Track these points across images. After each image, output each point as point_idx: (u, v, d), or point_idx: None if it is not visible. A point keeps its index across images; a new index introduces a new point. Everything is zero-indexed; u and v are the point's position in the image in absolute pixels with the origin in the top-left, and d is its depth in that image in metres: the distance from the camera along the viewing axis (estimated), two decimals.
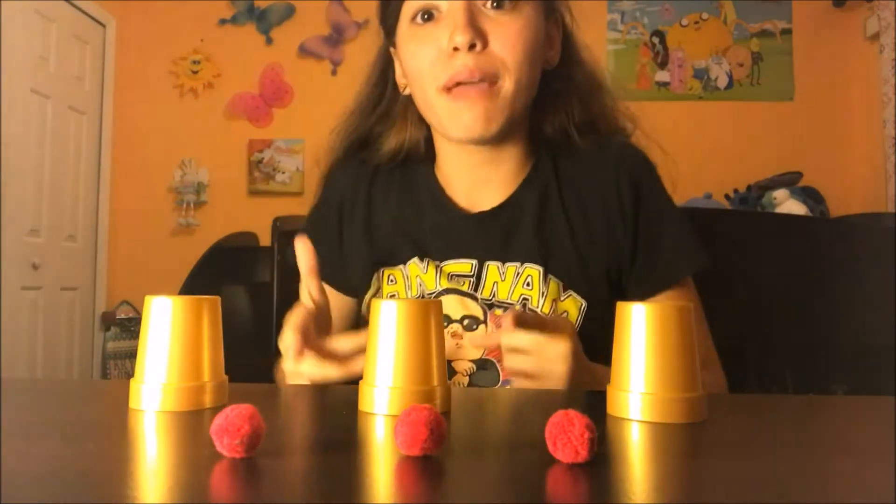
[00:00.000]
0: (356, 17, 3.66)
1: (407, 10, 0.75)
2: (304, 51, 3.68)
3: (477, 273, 0.76)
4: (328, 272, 0.80)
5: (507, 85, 0.71)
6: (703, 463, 0.38)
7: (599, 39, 3.52)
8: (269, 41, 3.70)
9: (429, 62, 0.73)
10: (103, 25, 3.59)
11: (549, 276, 0.75)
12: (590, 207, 0.78)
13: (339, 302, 0.82)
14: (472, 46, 0.70)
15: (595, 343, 0.69)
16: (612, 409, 0.46)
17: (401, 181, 0.84)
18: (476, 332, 0.76)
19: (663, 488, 0.31)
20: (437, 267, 0.77)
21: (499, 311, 0.75)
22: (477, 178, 0.80)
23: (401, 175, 0.84)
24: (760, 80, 3.54)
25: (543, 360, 0.61)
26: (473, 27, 0.70)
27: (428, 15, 0.73)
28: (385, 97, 0.84)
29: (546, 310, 0.74)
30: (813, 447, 0.41)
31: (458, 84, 0.71)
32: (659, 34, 3.60)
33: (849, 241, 1.17)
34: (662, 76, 3.58)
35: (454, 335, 0.76)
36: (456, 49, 0.70)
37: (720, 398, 0.50)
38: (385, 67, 0.84)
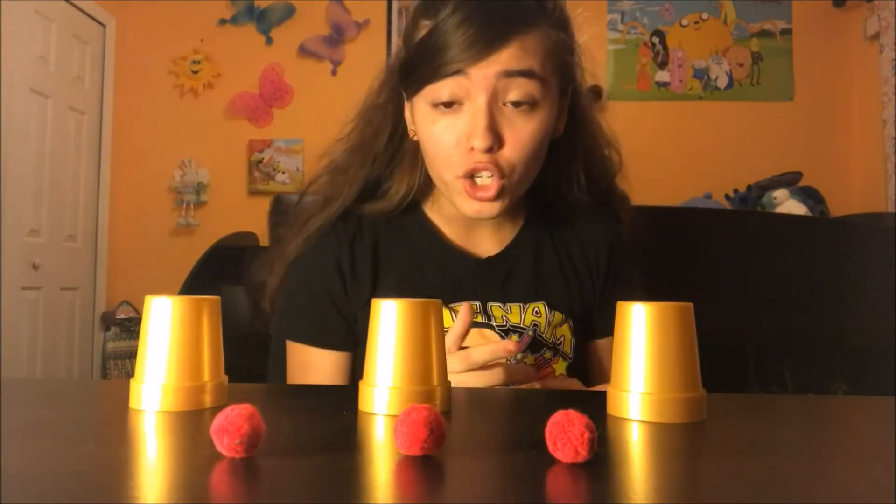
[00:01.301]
0: (356, 17, 3.66)
1: (429, 92, 0.74)
2: (304, 51, 3.68)
3: (482, 311, 0.81)
4: (329, 338, 0.81)
5: (514, 180, 0.75)
6: (703, 463, 0.38)
7: (599, 39, 3.52)
8: (269, 41, 3.70)
9: (447, 152, 0.75)
10: (103, 25, 3.59)
11: (553, 310, 0.82)
12: (575, 256, 0.87)
13: (339, 360, 0.82)
14: (489, 149, 0.72)
15: (581, 363, 0.85)
16: (612, 409, 0.46)
17: (393, 228, 0.85)
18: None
19: (663, 488, 0.31)
20: (448, 308, 0.80)
21: (515, 337, 0.80)
22: (475, 223, 0.84)
23: (387, 222, 0.85)
24: (760, 80, 3.54)
25: None
26: (493, 132, 0.72)
27: (448, 103, 0.74)
28: (395, 142, 0.84)
29: (549, 336, 0.82)
30: (813, 447, 0.41)
31: (473, 174, 0.74)
32: (659, 34, 3.60)
33: (849, 241, 1.17)
34: (662, 76, 3.58)
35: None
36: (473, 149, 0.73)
37: (720, 398, 0.50)
38: (396, 108, 0.83)
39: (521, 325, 0.80)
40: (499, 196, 0.75)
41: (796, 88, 3.52)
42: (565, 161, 0.85)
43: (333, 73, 3.66)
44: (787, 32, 3.55)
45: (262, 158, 3.64)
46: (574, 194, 0.86)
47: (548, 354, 0.81)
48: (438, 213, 0.86)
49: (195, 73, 3.68)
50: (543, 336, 0.81)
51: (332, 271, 0.83)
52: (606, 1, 3.59)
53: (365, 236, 0.84)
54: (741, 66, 3.55)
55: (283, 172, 3.62)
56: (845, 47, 3.48)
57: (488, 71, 0.71)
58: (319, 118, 3.88)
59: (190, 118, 3.67)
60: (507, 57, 0.71)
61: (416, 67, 0.75)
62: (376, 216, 0.84)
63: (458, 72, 0.72)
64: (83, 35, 3.43)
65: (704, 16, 3.60)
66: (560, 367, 0.81)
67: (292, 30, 3.69)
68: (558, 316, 0.82)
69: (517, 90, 0.72)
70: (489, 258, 0.84)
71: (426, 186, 0.86)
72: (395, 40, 3.58)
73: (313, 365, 0.82)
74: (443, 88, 0.73)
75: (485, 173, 0.74)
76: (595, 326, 0.87)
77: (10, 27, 2.81)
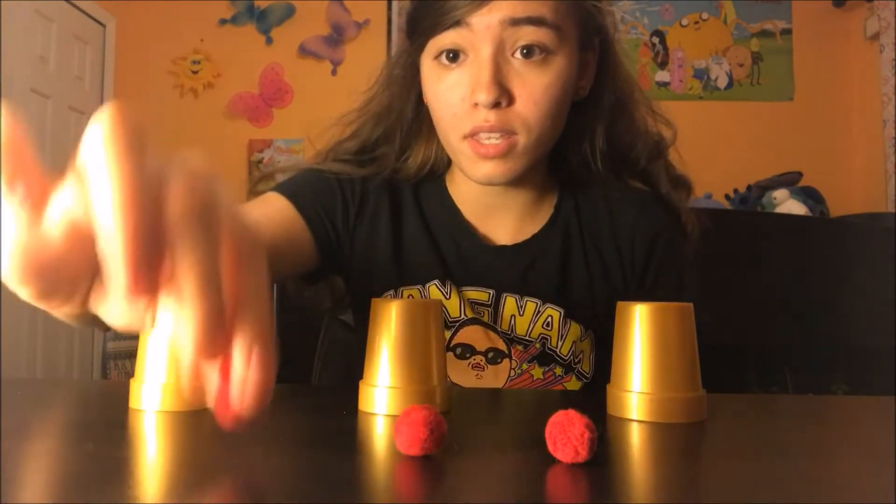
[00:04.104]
0: (356, 17, 3.65)
1: (432, 46, 0.69)
2: (304, 51, 3.68)
3: (494, 303, 0.75)
4: (304, 201, 0.73)
5: (524, 140, 0.68)
6: (703, 463, 0.38)
7: None
8: (269, 41, 3.70)
9: (452, 110, 0.68)
10: (103, 25, 3.59)
11: (569, 319, 0.75)
12: (606, 249, 0.78)
13: (292, 216, 0.73)
14: (495, 105, 0.66)
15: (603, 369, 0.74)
16: (612, 409, 0.46)
17: (416, 198, 0.80)
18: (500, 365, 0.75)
19: (663, 488, 0.31)
20: (459, 293, 0.75)
21: (519, 347, 0.74)
22: (493, 203, 0.79)
23: (412, 191, 0.80)
24: (760, 80, 3.54)
25: None
26: (498, 85, 0.65)
27: (453, 54, 0.68)
28: (416, 110, 0.79)
29: (565, 351, 0.74)
30: (813, 447, 0.41)
31: (479, 133, 0.68)
32: (659, 34, 3.60)
33: (849, 241, 1.16)
34: (662, 76, 3.58)
35: (476, 366, 0.74)
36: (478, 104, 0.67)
37: (720, 398, 0.50)
38: (415, 76, 0.77)
39: (528, 338, 0.74)
40: (508, 153, 0.67)
41: (796, 88, 3.52)
42: (587, 123, 0.77)
43: (333, 73, 3.65)
44: (787, 32, 3.54)
45: (262, 158, 3.64)
46: (597, 166, 0.78)
47: (558, 370, 0.74)
48: (456, 189, 0.80)
49: (195, 73, 3.68)
50: (556, 350, 0.74)
51: (345, 192, 0.77)
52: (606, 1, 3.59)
53: (397, 199, 0.79)
54: (741, 66, 3.55)
55: (284, 173, 3.62)
56: (845, 47, 3.48)
57: (491, 19, 0.65)
58: (319, 118, 3.89)
59: (190, 118, 3.67)
60: (511, 2, 0.65)
61: (418, 20, 0.70)
62: (402, 184, 0.80)
63: (458, 22, 0.65)
64: (83, 35, 3.43)
65: (704, 16, 3.59)
66: (572, 385, 0.75)
67: (292, 30, 3.69)
68: (575, 328, 0.74)
69: (525, 39, 0.65)
70: (506, 247, 0.77)
71: (447, 158, 0.81)
72: (395, 40, 3.58)
73: (268, 201, 0.74)
74: (445, 41, 0.67)
75: (492, 135, 0.67)
76: None
77: (10, 27, 2.81)
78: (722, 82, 3.55)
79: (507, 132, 0.67)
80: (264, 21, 3.70)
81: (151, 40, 3.70)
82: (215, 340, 0.27)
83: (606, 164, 0.79)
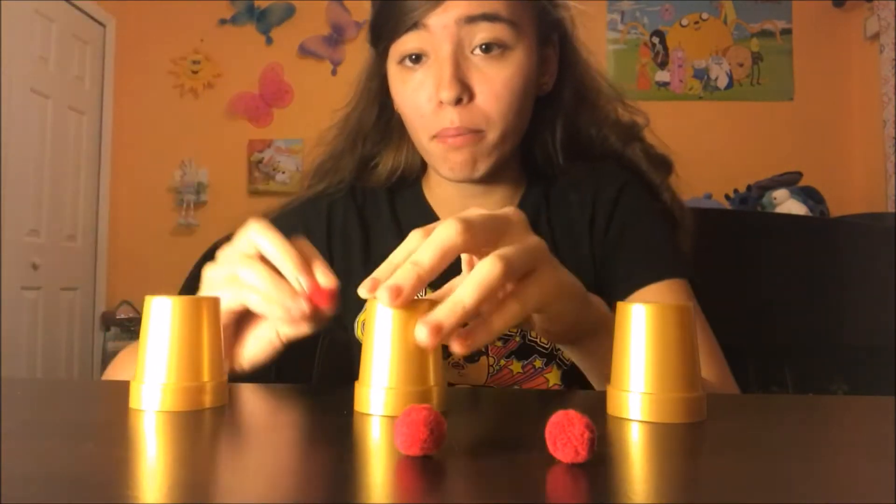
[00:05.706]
0: (356, 17, 3.66)
1: (395, 51, 0.72)
2: (304, 51, 3.68)
3: None
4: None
5: (491, 136, 0.70)
6: (703, 463, 0.38)
7: (599, 39, 3.52)
8: (269, 41, 3.70)
9: (418, 111, 0.71)
10: (103, 25, 3.59)
11: None
12: (577, 233, 0.78)
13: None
14: (457, 101, 0.68)
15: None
16: (612, 409, 0.46)
17: (391, 203, 0.82)
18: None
19: (663, 488, 0.31)
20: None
21: (498, 343, 0.74)
22: (470, 204, 0.79)
23: (387, 196, 0.82)
24: (760, 80, 3.54)
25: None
26: (459, 81, 0.68)
27: (415, 57, 0.70)
28: (383, 118, 0.81)
29: (545, 339, 0.74)
30: (813, 447, 0.41)
31: (445, 132, 0.70)
32: (659, 34, 3.60)
33: (849, 241, 1.16)
34: (662, 76, 3.58)
35: (455, 365, 0.75)
36: (442, 102, 0.69)
37: (720, 398, 0.50)
38: (381, 85, 0.79)
39: (508, 332, 0.74)
40: (475, 147, 0.70)
41: (796, 88, 3.52)
42: (548, 117, 0.79)
43: (333, 73, 3.66)
44: (787, 32, 3.55)
45: (262, 158, 3.65)
46: (558, 158, 0.79)
47: (538, 363, 0.74)
48: (432, 192, 0.82)
49: (195, 73, 3.68)
50: (536, 340, 0.74)
51: (321, 233, 0.80)
52: (606, 1, 3.59)
53: (366, 207, 0.82)
54: (741, 66, 3.55)
55: (283, 172, 3.62)
56: (845, 47, 3.48)
57: (447, 19, 0.67)
58: (319, 118, 3.89)
59: (190, 118, 3.67)
60: (465, 1, 0.67)
61: (379, 27, 0.73)
62: (376, 190, 0.83)
63: (416, 24, 0.68)
64: (83, 35, 3.43)
65: (704, 16, 3.60)
66: (553, 376, 0.75)
67: (292, 30, 3.70)
68: None
69: (482, 35, 0.68)
70: None
71: (422, 163, 0.83)
72: None
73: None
74: (406, 44, 0.70)
75: (458, 139, 0.69)
76: (611, 294, 0.70)
77: (10, 27, 2.81)
78: (722, 82, 3.56)
79: (473, 129, 0.69)
80: (264, 21, 3.70)
81: (151, 40, 3.71)
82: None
83: (572, 155, 0.80)
